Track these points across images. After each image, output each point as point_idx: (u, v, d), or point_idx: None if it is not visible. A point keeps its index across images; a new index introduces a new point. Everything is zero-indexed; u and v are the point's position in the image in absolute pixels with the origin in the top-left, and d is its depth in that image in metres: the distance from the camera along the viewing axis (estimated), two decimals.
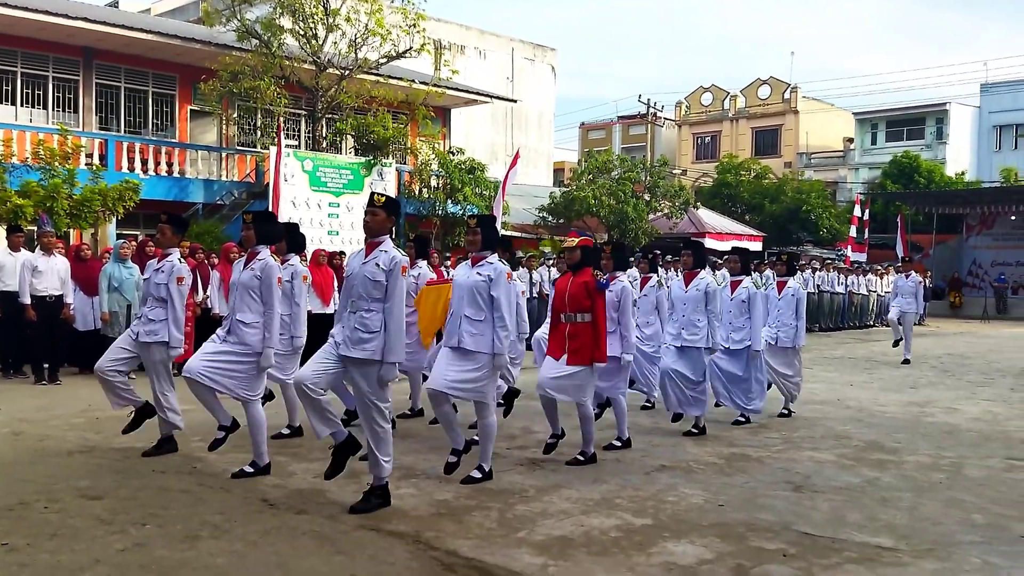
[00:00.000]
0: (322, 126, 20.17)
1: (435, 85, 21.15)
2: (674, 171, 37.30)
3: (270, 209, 15.30)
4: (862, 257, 26.35)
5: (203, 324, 10.27)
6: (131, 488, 5.46)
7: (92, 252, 11.81)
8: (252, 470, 5.80)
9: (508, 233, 19.78)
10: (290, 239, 7.22)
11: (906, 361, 13.88)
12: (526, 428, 7.72)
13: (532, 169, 32.92)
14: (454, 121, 25.77)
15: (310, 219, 17.63)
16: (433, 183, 20.82)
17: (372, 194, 5.29)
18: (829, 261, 24.09)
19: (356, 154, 20.43)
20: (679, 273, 9.05)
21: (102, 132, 18.52)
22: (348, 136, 20.66)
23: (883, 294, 22.51)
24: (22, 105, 18.15)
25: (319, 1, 18.87)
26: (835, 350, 16.22)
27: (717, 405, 8.19)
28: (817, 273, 21.09)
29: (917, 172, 33.62)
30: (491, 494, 5.48)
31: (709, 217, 28.24)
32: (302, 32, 18.96)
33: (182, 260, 6.55)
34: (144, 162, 17.82)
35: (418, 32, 19.53)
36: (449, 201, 20.38)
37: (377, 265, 5.03)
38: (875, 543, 4.70)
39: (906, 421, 8.60)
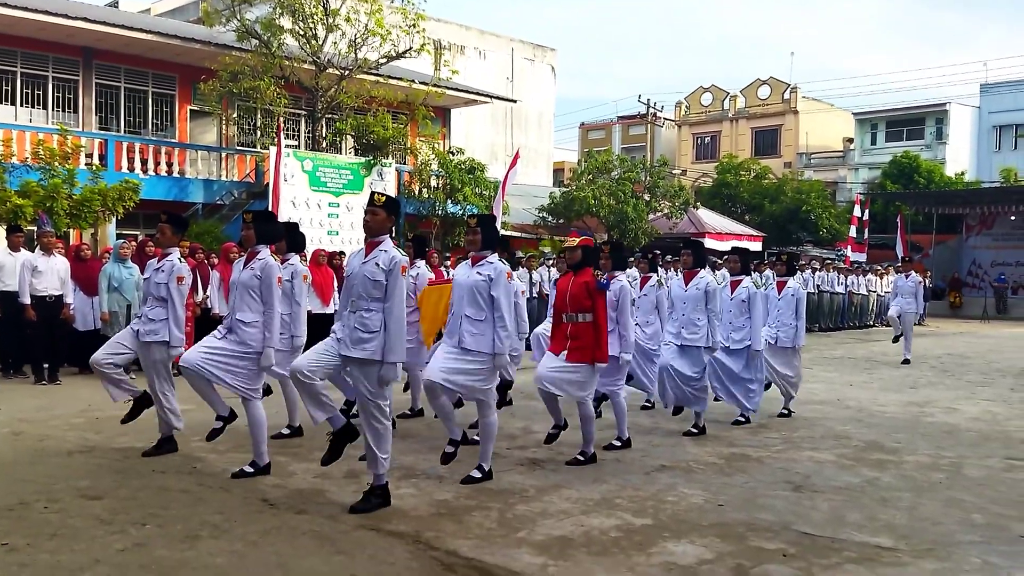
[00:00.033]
0: (322, 126, 20.17)
1: (435, 85, 21.15)
2: (674, 171, 37.29)
3: (270, 209, 15.29)
4: (862, 257, 26.36)
5: (203, 324, 10.28)
6: (131, 488, 5.46)
7: (92, 252, 11.81)
8: (252, 470, 5.80)
9: (508, 233, 19.79)
10: (290, 239, 7.22)
11: (906, 361, 13.88)
12: (526, 428, 7.72)
13: (532, 169, 32.92)
14: (454, 121, 25.77)
15: (310, 219, 17.64)
16: (433, 183, 20.83)
17: (372, 193, 5.29)
18: (829, 261, 24.10)
19: (356, 154, 20.43)
20: (679, 273, 9.05)
21: (102, 132, 18.52)
22: (348, 136, 20.67)
23: (883, 294, 22.51)
24: (22, 105, 18.15)
25: (319, 1, 18.88)
26: (835, 350, 16.22)
27: (716, 399, 8.19)
28: (817, 273, 21.09)
29: (917, 172, 33.62)
30: (491, 494, 5.48)
31: (709, 217, 28.24)
32: (302, 32, 18.96)
33: (182, 260, 6.55)
34: (144, 162, 17.82)
35: (418, 32, 19.54)
36: (449, 201, 20.38)
37: (377, 265, 5.04)
38: (875, 543, 4.70)
39: (906, 421, 8.60)
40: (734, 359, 8.04)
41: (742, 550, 4.54)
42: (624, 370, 6.95)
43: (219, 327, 6.01)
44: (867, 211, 27.62)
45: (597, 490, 5.64)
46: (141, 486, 5.52)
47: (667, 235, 24.50)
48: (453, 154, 21.29)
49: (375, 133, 19.82)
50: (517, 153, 19.81)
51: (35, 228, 11.92)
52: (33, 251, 10.31)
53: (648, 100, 37.20)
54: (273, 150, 17.38)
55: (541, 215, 24.02)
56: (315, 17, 18.95)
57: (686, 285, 7.62)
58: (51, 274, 10.00)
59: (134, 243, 11.25)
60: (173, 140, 19.60)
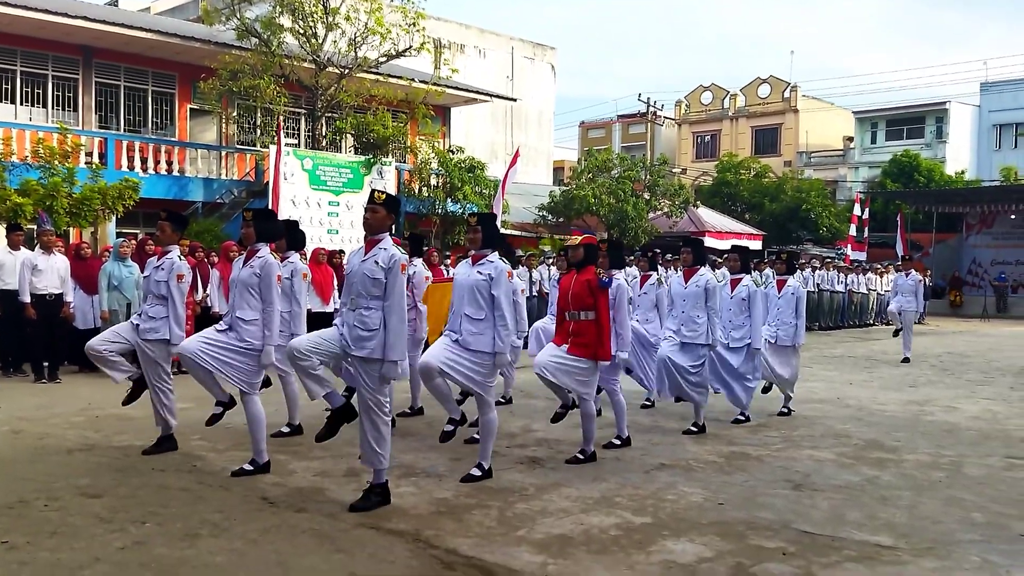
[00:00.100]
0: (322, 125, 20.17)
1: (435, 84, 21.14)
2: (674, 170, 37.29)
3: (270, 207, 15.30)
4: (862, 256, 26.35)
5: (203, 322, 10.27)
6: (131, 486, 5.46)
7: (92, 251, 11.81)
8: (252, 468, 5.80)
9: (508, 232, 19.80)
10: (290, 237, 7.23)
11: (906, 360, 13.89)
12: (526, 426, 7.72)
13: (532, 168, 32.92)
14: (454, 120, 25.76)
15: (310, 218, 17.64)
16: (433, 182, 20.83)
17: (372, 191, 5.29)
18: (829, 260, 24.08)
19: (356, 153, 20.43)
20: (678, 271, 9.06)
21: (102, 131, 18.52)
22: (348, 135, 20.67)
23: (883, 293, 22.51)
24: (22, 104, 18.14)
25: (318, 0, 18.87)
26: (835, 349, 16.22)
27: (716, 391, 8.19)
28: (817, 272, 21.08)
29: (917, 171, 33.60)
30: (491, 492, 5.48)
31: (709, 216, 28.24)
32: (302, 31, 18.96)
33: (182, 258, 6.55)
34: (144, 161, 17.82)
35: (418, 31, 19.53)
36: (449, 200, 20.38)
37: (376, 263, 5.03)
38: (875, 541, 4.70)
39: (906, 420, 8.60)
40: (733, 355, 8.04)
41: (742, 548, 4.54)
42: (620, 368, 6.96)
43: (219, 323, 6.00)
44: (867, 210, 27.60)
45: (597, 488, 5.64)
46: (141, 484, 5.52)
47: (667, 234, 24.50)
48: (453, 153, 21.29)
49: (375, 132, 19.82)
50: (517, 152, 19.82)
51: (35, 227, 11.92)
52: (33, 250, 10.31)
53: (648, 99, 37.16)
54: (273, 149, 17.39)
55: (541, 214, 24.03)
56: (315, 16, 18.95)
57: (686, 283, 7.63)
58: (51, 273, 10.00)
59: (134, 241, 11.25)
60: (173, 139, 19.60)
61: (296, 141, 21.20)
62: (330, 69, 19.17)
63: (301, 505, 5.14)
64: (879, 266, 24.12)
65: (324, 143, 20.38)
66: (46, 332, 10.01)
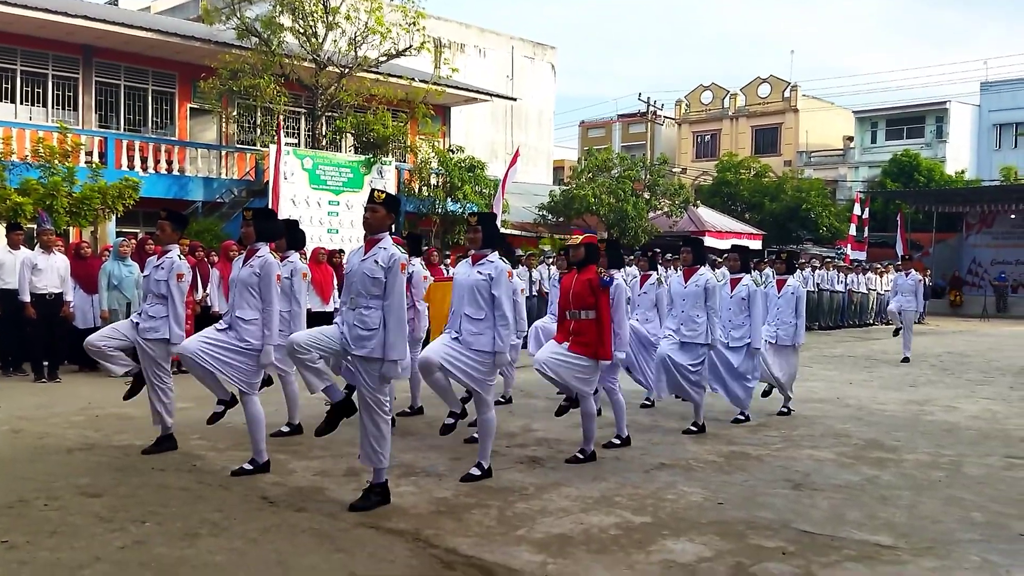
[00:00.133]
0: (322, 124, 20.17)
1: (435, 83, 21.14)
2: (674, 169, 37.31)
3: (270, 207, 15.29)
4: (862, 255, 26.34)
5: (203, 322, 10.26)
6: (131, 486, 5.46)
7: (92, 250, 11.81)
8: (251, 468, 5.80)
9: (508, 231, 19.79)
10: (290, 236, 7.23)
11: (905, 359, 13.89)
12: (525, 426, 7.72)
13: (532, 167, 32.92)
14: (454, 119, 25.76)
15: (310, 217, 17.65)
16: (433, 181, 20.82)
17: (372, 190, 5.28)
18: (829, 259, 24.08)
19: (356, 152, 20.43)
20: (678, 271, 9.06)
21: (102, 130, 18.52)
22: (348, 134, 20.66)
23: (883, 292, 22.51)
24: (22, 103, 18.14)
25: None
26: (835, 348, 16.22)
27: (714, 389, 8.19)
28: (817, 271, 21.08)
29: (917, 170, 33.60)
30: (490, 492, 5.48)
31: (709, 215, 28.25)
32: (302, 30, 18.95)
33: (181, 257, 6.54)
34: (144, 160, 17.81)
35: (418, 30, 19.53)
36: (449, 199, 20.38)
37: (376, 262, 5.03)
38: (874, 541, 4.70)
39: (905, 419, 8.60)
40: (733, 354, 8.04)
41: (741, 548, 4.54)
42: (619, 367, 6.96)
43: (219, 323, 6.00)
44: (867, 209, 27.60)
45: (597, 488, 5.64)
46: (141, 484, 5.52)
47: (667, 233, 24.50)
48: (453, 152, 21.29)
49: (375, 131, 19.81)
50: (517, 151, 19.82)
51: (35, 226, 11.91)
52: (33, 249, 10.31)
53: (648, 98, 37.21)
54: (273, 148, 17.38)
55: (541, 213, 24.02)
56: (315, 15, 18.94)
57: (685, 282, 7.63)
58: (51, 272, 10.00)
59: (134, 241, 11.25)
60: (173, 138, 19.60)
61: (296, 140, 21.20)
62: (330, 68, 19.17)
63: (301, 504, 5.14)
64: (879, 266, 24.12)
65: (324, 142, 20.38)
66: (46, 331, 10.01)
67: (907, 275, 14.86)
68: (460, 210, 19.91)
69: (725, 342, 7.98)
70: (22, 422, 7.44)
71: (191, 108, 20.40)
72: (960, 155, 38.25)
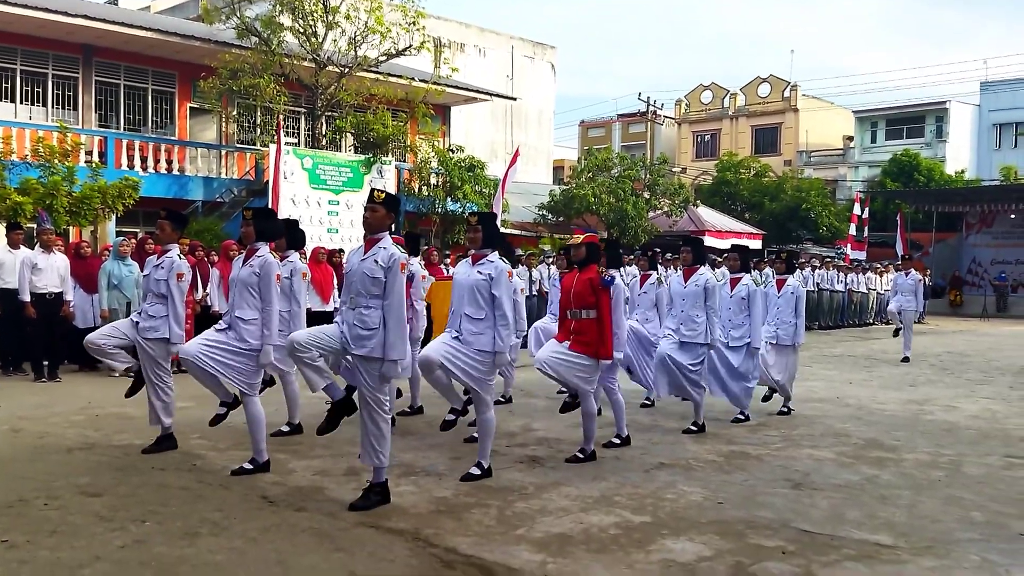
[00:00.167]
0: (322, 124, 20.16)
1: (435, 83, 21.14)
2: (674, 169, 37.30)
3: (270, 206, 15.30)
4: (862, 255, 26.35)
5: (203, 321, 10.27)
6: (131, 485, 5.47)
7: (92, 249, 11.81)
8: (251, 467, 5.80)
9: (508, 231, 19.80)
10: (290, 236, 7.22)
11: (905, 359, 13.89)
12: (525, 425, 7.72)
13: (532, 167, 32.92)
14: (454, 119, 25.76)
15: (310, 217, 17.64)
16: (433, 181, 20.82)
17: (372, 190, 5.28)
18: (829, 259, 24.09)
19: (356, 152, 20.42)
20: (678, 270, 9.06)
21: (101, 129, 18.51)
22: (348, 134, 20.66)
23: (882, 292, 22.52)
24: (22, 102, 18.13)
25: None
26: (834, 348, 16.22)
27: (712, 393, 8.19)
28: (817, 271, 21.09)
29: (917, 170, 33.61)
30: (490, 491, 5.48)
31: (709, 215, 28.24)
32: (302, 30, 18.95)
33: (181, 256, 6.54)
34: (144, 159, 17.81)
35: (418, 30, 19.52)
36: (448, 199, 20.38)
37: (376, 262, 5.03)
38: (874, 540, 4.71)
39: (905, 419, 8.60)
40: (733, 354, 8.05)
41: (741, 548, 4.54)
42: (617, 367, 6.96)
43: (219, 322, 6.01)
44: (867, 209, 27.61)
45: (596, 487, 5.64)
46: (141, 483, 5.52)
47: (667, 233, 24.50)
48: (453, 152, 21.28)
49: (375, 131, 19.81)
50: (517, 151, 19.80)
51: (35, 225, 11.91)
52: (33, 248, 10.31)
53: (648, 98, 37.20)
54: (273, 148, 17.38)
55: (541, 213, 24.02)
56: (315, 15, 18.94)
57: (685, 282, 7.63)
58: (51, 271, 10.00)
59: (134, 240, 11.25)
60: (173, 138, 19.59)
61: (296, 140, 21.20)
62: (330, 68, 19.17)
63: (301, 504, 5.14)
64: (879, 265, 24.12)
65: (324, 142, 20.37)
66: (46, 331, 10.01)
67: (907, 275, 14.87)
68: (460, 210, 19.91)
69: (725, 342, 7.98)
70: (22, 421, 7.44)
71: (191, 108, 20.39)
72: (960, 155, 38.26)
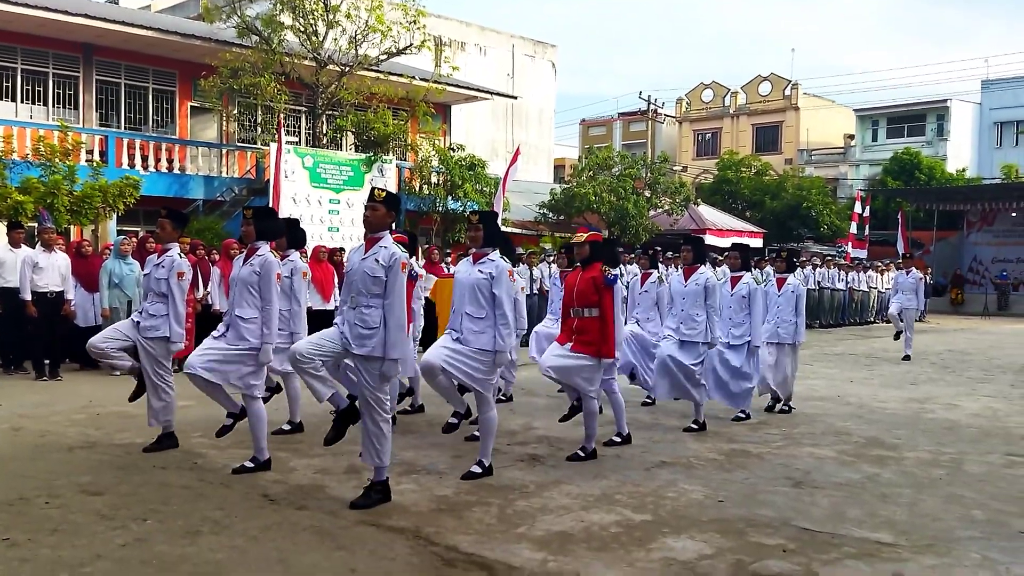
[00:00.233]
0: (322, 122, 20.16)
1: (435, 82, 21.12)
2: (674, 168, 37.29)
3: (270, 205, 15.30)
4: (863, 253, 26.31)
5: (204, 320, 10.28)
6: (132, 484, 5.47)
7: (93, 248, 11.81)
8: (252, 466, 5.80)
9: (509, 230, 19.77)
10: (290, 235, 7.23)
11: (906, 357, 13.88)
12: (526, 424, 7.72)
13: (532, 166, 32.90)
14: (454, 117, 25.75)
15: (310, 215, 17.64)
16: (433, 179, 20.81)
17: (372, 189, 5.28)
18: (830, 257, 24.07)
19: (356, 150, 20.42)
20: (679, 269, 9.06)
21: (102, 128, 18.52)
22: (348, 132, 20.65)
23: (884, 290, 22.52)
24: (22, 101, 18.14)
25: None
26: (835, 346, 16.22)
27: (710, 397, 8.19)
28: (818, 269, 21.08)
29: (918, 169, 33.58)
30: (491, 490, 5.48)
31: (709, 214, 28.22)
32: (302, 28, 18.94)
33: (182, 255, 6.54)
34: (144, 158, 17.82)
35: (418, 29, 19.51)
36: (449, 197, 20.37)
37: (376, 261, 5.03)
38: (875, 539, 4.71)
39: (906, 417, 8.60)
40: (734, 353, 8.04)
41: (742, 546, 4.54)
42: (615, 366, 6.95)
43: (219, 325, 6.01)
44: (868, 207, 27.57)
45: (597, 486, 5.64)
46: (142, 482, 5.52)
47: (668, 231, 24.49)
48: (454, 150, 21.27)
49: (376, 129, 19.80)
50: (518, 150, 19.79)
51: (36, 224, 11.92)
52: (34, 247, 10.31)
53: (649, 96, 37.32)
54: (274, 146, 17.37)
55: (542, 212, 24.02)
56: (315, 13, 18.93)
57: (686, 281, 7.62)
58: (52, 270, 10.00)
59: (134, 239, 11.25)
60: (173, 136, 19.59)
61: (297, 139, 21.20)
62: (331, 67, 19.16)
63: (302, 502, 5.14)
64: (880, 264, 24.11)
65: (325, 141, 20.37)
66: (47, 330, 10.01)
67: (908, 273, 14.86)
68: (461, 208, 19.91)
69: (725, 341, 7.98)
70: (23, 420, 7.45)
71: (192, 106, 20.40)
72: (961, 153, 38.23)
